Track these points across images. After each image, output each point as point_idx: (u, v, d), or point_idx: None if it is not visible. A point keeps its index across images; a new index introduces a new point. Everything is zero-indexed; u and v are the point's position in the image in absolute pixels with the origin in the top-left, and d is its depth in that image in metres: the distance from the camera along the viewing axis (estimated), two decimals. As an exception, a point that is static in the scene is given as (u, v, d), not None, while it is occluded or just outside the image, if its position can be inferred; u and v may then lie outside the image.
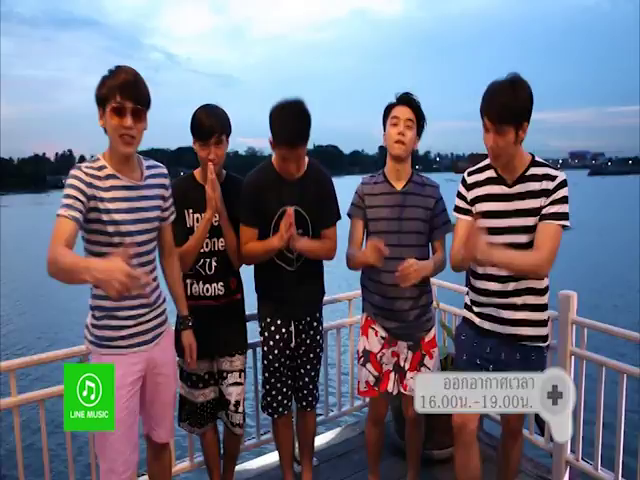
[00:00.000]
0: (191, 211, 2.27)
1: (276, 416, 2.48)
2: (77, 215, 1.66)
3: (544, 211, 1.89)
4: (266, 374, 2.45)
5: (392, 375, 2.39)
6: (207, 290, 2.31)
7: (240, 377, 2.41)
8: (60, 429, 2.47)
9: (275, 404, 2.46)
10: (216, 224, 2.26)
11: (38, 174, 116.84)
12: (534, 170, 1.94)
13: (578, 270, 15.13)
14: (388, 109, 2.32)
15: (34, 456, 2.71)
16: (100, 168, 1.79)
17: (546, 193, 1.89)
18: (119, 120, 1.72)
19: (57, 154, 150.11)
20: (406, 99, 2.29)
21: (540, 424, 2.97)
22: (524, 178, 1.94)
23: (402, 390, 2.41)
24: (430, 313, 2.45)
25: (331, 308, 2.73)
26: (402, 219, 2.27)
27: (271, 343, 2.40)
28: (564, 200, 1.90)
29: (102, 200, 1.76)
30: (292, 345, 2.42)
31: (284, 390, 2.45)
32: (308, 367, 2.49)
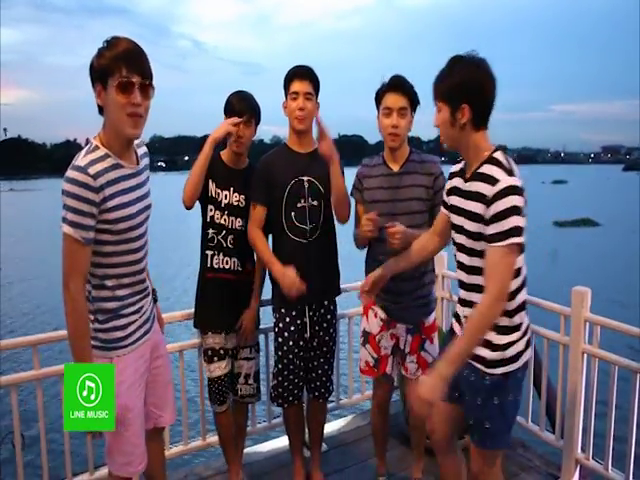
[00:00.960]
0: (214, 184, 2.36)
1: (286, 406, 2.51)
2: (90, 236, 1.54)
3: (484, 231, 1.62)
4: (279, 365, 2.44)
5: (390, 359, 2.42)
6: (227, 263, 2.38)
7: (251, 353, 2.51)
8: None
9: (286, 394, 2.46)
10: (236, 204, 2.37)
11: (69, 158, 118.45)
12: (485, 168, 1.65)
13: (605, 268, 14.82)
14: (379, 96, 2.25)
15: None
16: (103, 158, 1.60)
17: (484, 200, 1.60)
18: (126, 97, 1.52)
19: (87, 139, 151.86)
20: (398, 85, 2.22)
21: (552, 421, 2.96)
22: (475, 176, 1.68)
23: (403, 373, 2.44)
24: (431, 297, 2.45)
25: (344, 295, 2.75)
26: (396, 200, 2.26)
27: (285, 334, 2.40)
28: (508, 213, 1.55)
29: (112, 197, 1.59)
30: (306, 336, 2.43)
31: (295, 381, 2.45)
32: (322, 360, 2.49)
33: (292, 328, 2.40)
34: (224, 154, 2.42)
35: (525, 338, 1.75)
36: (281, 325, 2.42)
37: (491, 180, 1.60)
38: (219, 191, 2.37)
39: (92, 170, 1.55)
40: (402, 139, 2.25)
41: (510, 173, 1.61)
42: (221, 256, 2.38)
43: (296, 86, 2.24)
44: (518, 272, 1.69)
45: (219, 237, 2.37)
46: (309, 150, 2.36)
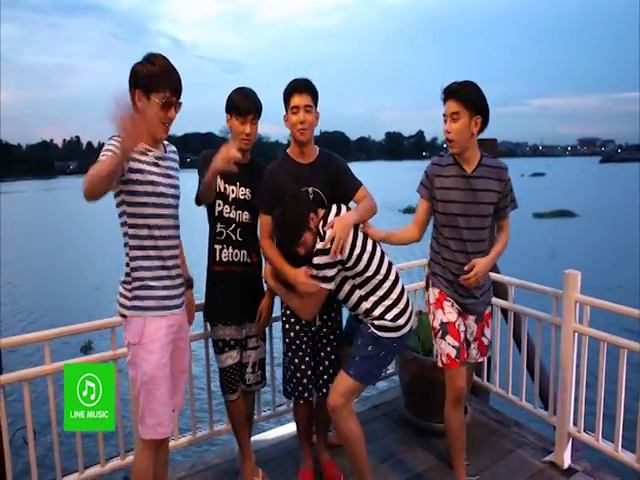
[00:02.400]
0: (222, 181, 2.40)
1: (301, 401, 2.52)
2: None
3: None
4: (289, 354, 2.48)
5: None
6: (236, 255, 2.44)
7: (257, 341, 2.58)
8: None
9: (301, 388, 2.48)
10: (242, 197, 2.43)
11: (46, 160, 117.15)
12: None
13: (585, 252, 15.22)
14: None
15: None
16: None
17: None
18: (165, 113, 1.91)
19: (64, 140, 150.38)
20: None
21: (544, 400, 3.10)
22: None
23: (465, 358, 2.48)
24: (491, 287, 2.60)
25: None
26: (473, 202, 2.35)
27: (292, 320, 2.47)
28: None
29: (145, 172, 1.89)
30: (317, 322, 2.47)
31: (308, 373, 2.48)
32: (328, 349, 2.52)
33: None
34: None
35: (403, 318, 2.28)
36: (288, 312, 2.49)
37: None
38: (227, 186, 2.42)
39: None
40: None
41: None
42: (230, 249, 2.44)
43: (296, 100, 2.32)
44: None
45: (228, 230, 2.43)
46: (310, 160, 2.43)
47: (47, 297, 12.92)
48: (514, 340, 3.22)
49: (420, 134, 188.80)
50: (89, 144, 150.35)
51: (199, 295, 2.44)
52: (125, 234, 1.95)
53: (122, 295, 1.97)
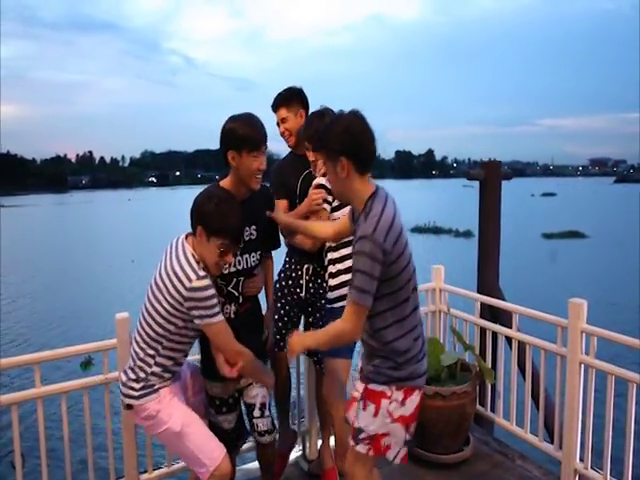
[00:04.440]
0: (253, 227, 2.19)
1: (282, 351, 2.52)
2: None
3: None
4: (275, 316, 2.59)
5: None
6: (227, 309, 2.17)
7: None
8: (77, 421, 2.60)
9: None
10: (248, 238, 2.17)
11: (59, 174, 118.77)
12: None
13: (594, 279, 14.99)
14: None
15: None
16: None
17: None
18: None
19: (78, 155, 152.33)
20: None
21: (550, 431, 2.99)
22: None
23: None
24: (380, 368, 1.92)
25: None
26: None
27: (283, 283, 2.64)
28: None
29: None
30: (301, 294, 2.60)
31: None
32: (317, 315, 2.63)
33: (292, 275, 2.62)
34: (229, 185, 2.12)
35: None
36: (282, 275, 2.66)
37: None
38: None
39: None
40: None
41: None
42: (233, 306, 2.19)
43: (276, 117, 2.64)
44: None
45: (230, 288, 2.17)
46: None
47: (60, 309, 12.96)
48: (518, 368, 3.12)
49: (430, 153, 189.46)
50: (102, 159, 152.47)
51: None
52: (158, 341, 1.99)
53: (129, 387, 2.02)
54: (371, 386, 1.85)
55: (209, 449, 2.02)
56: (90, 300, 13.87)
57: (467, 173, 3.87)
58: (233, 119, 2.07)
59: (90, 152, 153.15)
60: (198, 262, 1.93)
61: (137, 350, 2.02)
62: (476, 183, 3.89)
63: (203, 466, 2.00)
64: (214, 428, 2.21)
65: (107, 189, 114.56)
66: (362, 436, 1.86)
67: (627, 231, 25.52)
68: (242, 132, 2.00)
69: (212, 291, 1.91)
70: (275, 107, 2.61)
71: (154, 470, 2.62)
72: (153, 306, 1.95)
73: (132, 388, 2.01)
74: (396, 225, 1.71)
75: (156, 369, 2.02)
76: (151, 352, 1.99)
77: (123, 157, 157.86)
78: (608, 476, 2.49)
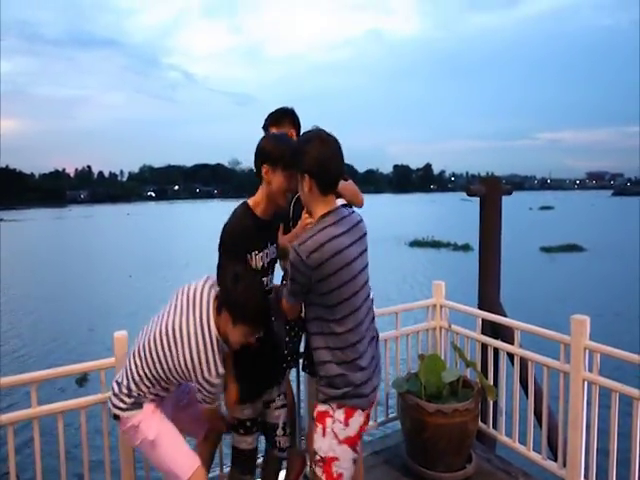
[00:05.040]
0: (255, 252, 2.09)
1: None
2: None
3: None
4: None
5: None
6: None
7: (283, 399, 2.36)
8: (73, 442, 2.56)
9: None
10: (274, 257, 2.21)
11: (58, 189, 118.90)
12: None
13: (593, 292, 14.98)
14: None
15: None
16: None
17: None
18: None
19: (76, 170, 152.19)
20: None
21: (553, 449, 2.95)
22: None
23: None
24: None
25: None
26: None
27: None
28: None
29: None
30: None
31: None
32: None
33: None
34: (258, 206, 2.10)
35: None
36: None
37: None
38: (262, 255, 2.11)
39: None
40: None
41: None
42: None
43: None
44: None
45: None
46: None
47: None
48: (520, 385, 3.09)
49: (428, 167, 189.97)
50: (100, 173, 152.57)
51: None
52: (157, 380, 2.02)
53: (120, 399, 2.04)
54: (318, 406, 1.92)
55: (182, 462, 2.04)
56: (87, 314, 13.79)
57: (467, 189, 3.87)
58: (274, 136, 2.19)
59: (89, 167, 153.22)
60: (220, 350, 1.96)
61: (134, 373, 2.01)
62: (473, 197, 3.89)
63: (176, 476, 2.03)
64: (239, 454, 2.26)
65: (106, 203, 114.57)
66: (317, 458, 1.91)
67: (626, 244, 25.58)
68: (281, 149, 2.02)
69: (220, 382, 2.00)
70: (266, 128, 2.60)
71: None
72: (162, 353, 1.96)
73: (122, 401, 2.03)
74: (328, 248, 1.77)
75: (150, 395, 2.06)
76: (147, 384, 2.02)
77: (122, 171, 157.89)
78: (613, 495, 2.45)
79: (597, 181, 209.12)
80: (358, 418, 1.88)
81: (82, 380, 8.08)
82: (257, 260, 2.10)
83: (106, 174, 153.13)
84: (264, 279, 2.14)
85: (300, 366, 2.73)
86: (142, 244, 30.15)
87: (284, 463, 2.55)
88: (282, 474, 2.66)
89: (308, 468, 2.32)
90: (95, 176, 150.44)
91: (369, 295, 1.99)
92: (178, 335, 1.92)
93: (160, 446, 2.03)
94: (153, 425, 2.04)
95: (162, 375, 1.99)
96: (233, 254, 2.03)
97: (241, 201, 2.17)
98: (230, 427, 2.26)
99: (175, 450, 2.05)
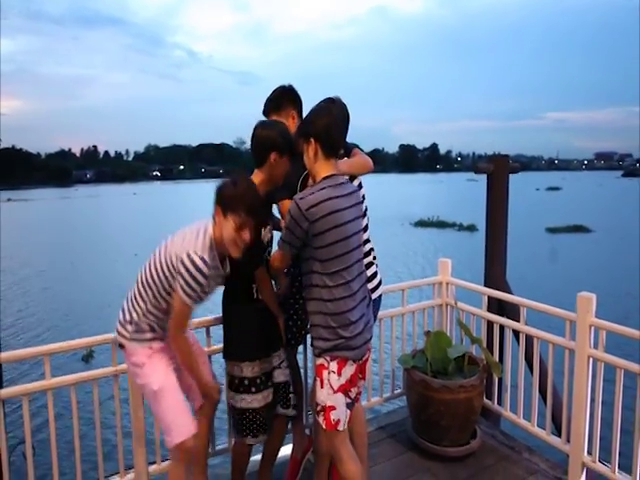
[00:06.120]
0: (264, 227, 2.27)
1: None
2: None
3: None
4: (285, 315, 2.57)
5: None
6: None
7: (287, 365, 2.46)
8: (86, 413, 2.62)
9: None
10: (266, 239, 2.32)
11: (64, 169, 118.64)
12: None
13: (598, 272, 14.93)
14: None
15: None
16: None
17: None
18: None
19: (82, 149, 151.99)
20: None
21: (557, 425, 2.99)
22: None
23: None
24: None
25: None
26: None
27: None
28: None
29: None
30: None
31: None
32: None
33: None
34: (258, 180, 2.21)
35: None
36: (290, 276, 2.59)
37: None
38: (266, 230, 2.30)
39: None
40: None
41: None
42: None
43: None
44: None
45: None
46: None
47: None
48: (526, 362, 3.12)
49: (434, 147, 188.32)
50: (106, 153, 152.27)
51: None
52: (150, 287, 2.07)
53: (124, 327, 2.12)
54: (316, 360, 2.09)
55: (180, 422, 2.08)
56: (94, 293, 13.93)
57: (475, 167, 3.85)
58: (276, 126, 2.26)
59: (95, 146, 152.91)
60: (211, 247, 1.99)
61: (135, 290, 2.12)
62: (480, 177, 3.88)
63: (169, 434, 2.08)
64: (246, 416, 2.28)
65: (111, 183, 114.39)
66: (318, 408, 2.07)
67: (633, 226, 25.37)
68: (287, 139, 2.20)
69: (202, 279, 1.95)
70: (266, 114, 2.57)
71: (162, 461, 2.64)
72: (157, 256, 2.06)
73: (125, 329, 2.12)
74: (326, 206, 1.92)
75: (147, 315, 2.10)
76: (144, 297, 2.09)
77: (127, 151, 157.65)
78: (616, 469, 2.49)
79: (605, 161, 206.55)
80: (349, 368, 2.03)
81: (88, 357, 8.19)
82: (265, 233, 2.28)
83: (112, 154, 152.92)
84: (265, 256, 2.30)
85: (307, 342, 2.77)
86: (148, 223, 30.23)
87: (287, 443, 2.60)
88: (287, 449, 2.71)
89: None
90: (101, 155, 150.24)
91: (362, 258, 2.13)
92: (170, 241, 2.06)
93: (163, 400, 2.07)
94: (156, 374, 2.08)
95: (156, 279, 2.03)
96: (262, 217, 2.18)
97: None
98: (238, 389, 2.28)
99: (176, 410, 2.09)
